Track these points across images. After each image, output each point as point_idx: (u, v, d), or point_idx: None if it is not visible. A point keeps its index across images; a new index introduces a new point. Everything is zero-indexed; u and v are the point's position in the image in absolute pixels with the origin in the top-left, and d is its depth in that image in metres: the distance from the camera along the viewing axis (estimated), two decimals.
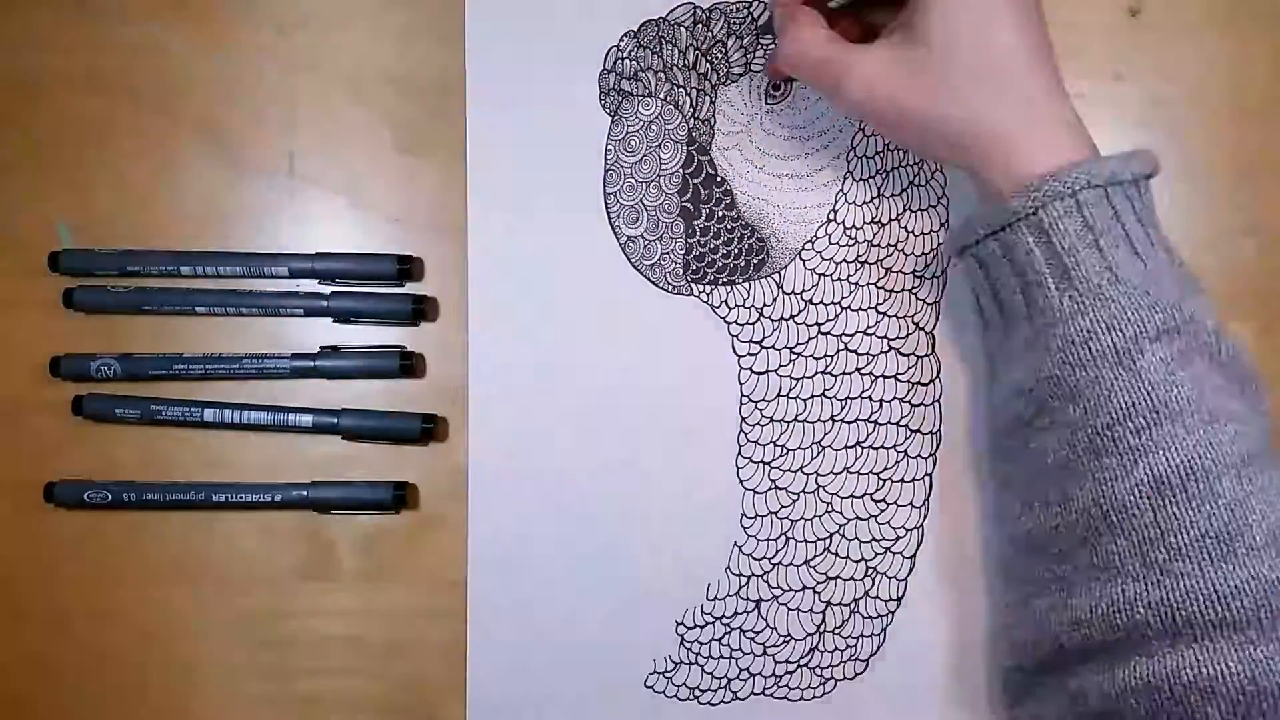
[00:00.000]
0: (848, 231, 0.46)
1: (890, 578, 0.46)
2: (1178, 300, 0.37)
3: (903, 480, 0.46)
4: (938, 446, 0.46)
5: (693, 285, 0.46)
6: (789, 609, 0.46)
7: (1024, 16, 0.38)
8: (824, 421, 0.46)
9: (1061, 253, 0.37)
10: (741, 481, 0.46)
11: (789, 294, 0.46)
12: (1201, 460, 0.35)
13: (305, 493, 0.45)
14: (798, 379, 0.46)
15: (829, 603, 0.46)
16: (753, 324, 0.46)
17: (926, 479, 0.46)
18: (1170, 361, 0.36)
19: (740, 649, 0.46)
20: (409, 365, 0.46)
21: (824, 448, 0.46)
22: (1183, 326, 0.36)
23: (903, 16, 0.40)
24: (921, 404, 0.46)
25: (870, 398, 0.46)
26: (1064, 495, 0.37)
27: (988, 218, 0.39)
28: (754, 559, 0.46)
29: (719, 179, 0.46)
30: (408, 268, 0.46)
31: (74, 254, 0.45)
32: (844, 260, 0.46)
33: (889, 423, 0.46)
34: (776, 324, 0.46)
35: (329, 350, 0.46)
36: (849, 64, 0.40)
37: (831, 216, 0.46)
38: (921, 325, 0.46)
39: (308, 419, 0.45)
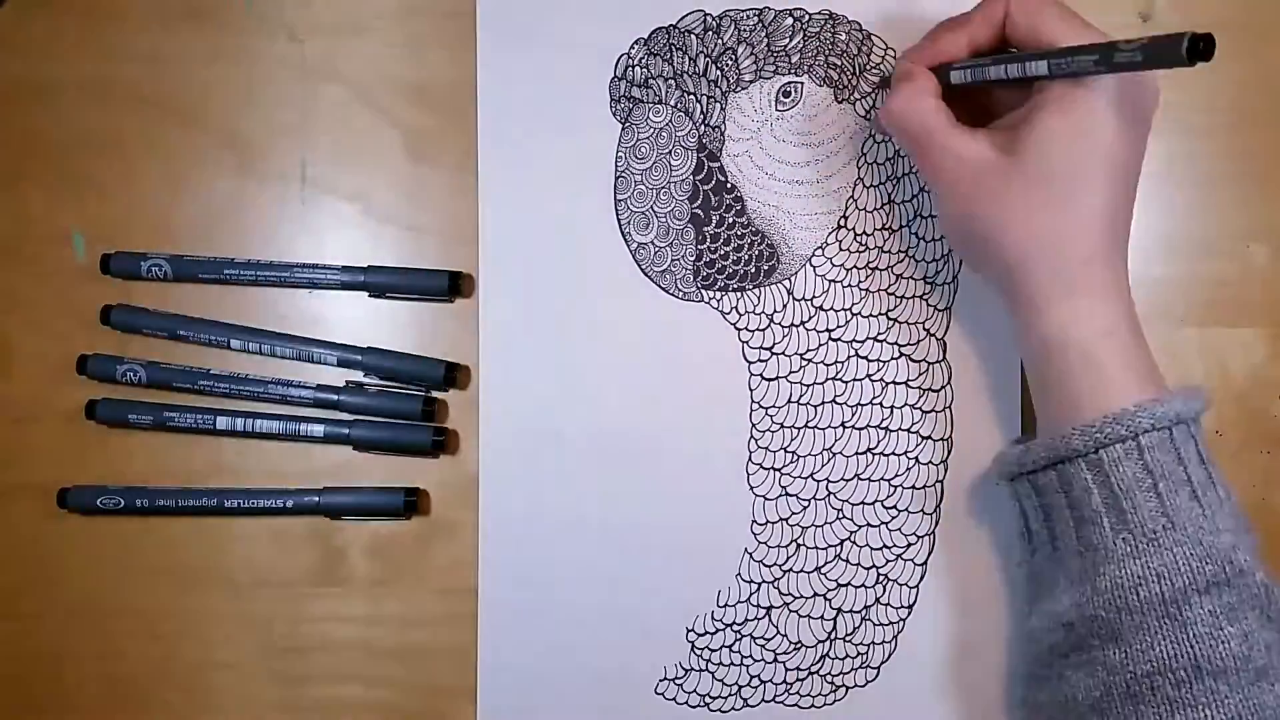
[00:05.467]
0: (858, 238, 0.46)
1: (902, 585, 0.46)
2: (1230, 549, 0.36)
3: (914, 487, 0.46)
4: (949, 453, 0.46)
5: (703, 292, 0.46)
6: (800, 616, 0.46)
7: (1117, 179, 0.38)
8: (835, 428, 0.46)
9: (1119, 494, 0.36)
10: (752, 488, 0.46)
11: (800, 300, 0.46)
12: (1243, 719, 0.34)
13: (317, 498, 0.46)
14: (808, 385, 0.46)
15: (840, 609, 0.46)
16: (763, 330, 0.46)
17: (938, 485, 0.46)
18: (1219, 615, 0.35)
19: (751, 656, 0.46)
20: (430, 411, 0.46)
21: (835, 454, 0.46)
22: (1234, 579, 0.36)
23: (1018, 114, 0.39)
24: (933, 410, 0.46)
25: (881, 404, 0.46)
26: None
27: (1046, 449, 0.38)
28: (765, 565, 0.46)
29: (729, 185, 0.46)
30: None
31: (123, 257, 0.46)
32: (855, 266, 0.46)
33: (900, 429, 0.46)
34: (787, 330, 0.46)
35: (353, 385, 0.46)
36: (944, 142, 0.39)
37: (842, 223, 0.46)
38: (933, 331, 0.46)
39: (319, 429, 0.46)
